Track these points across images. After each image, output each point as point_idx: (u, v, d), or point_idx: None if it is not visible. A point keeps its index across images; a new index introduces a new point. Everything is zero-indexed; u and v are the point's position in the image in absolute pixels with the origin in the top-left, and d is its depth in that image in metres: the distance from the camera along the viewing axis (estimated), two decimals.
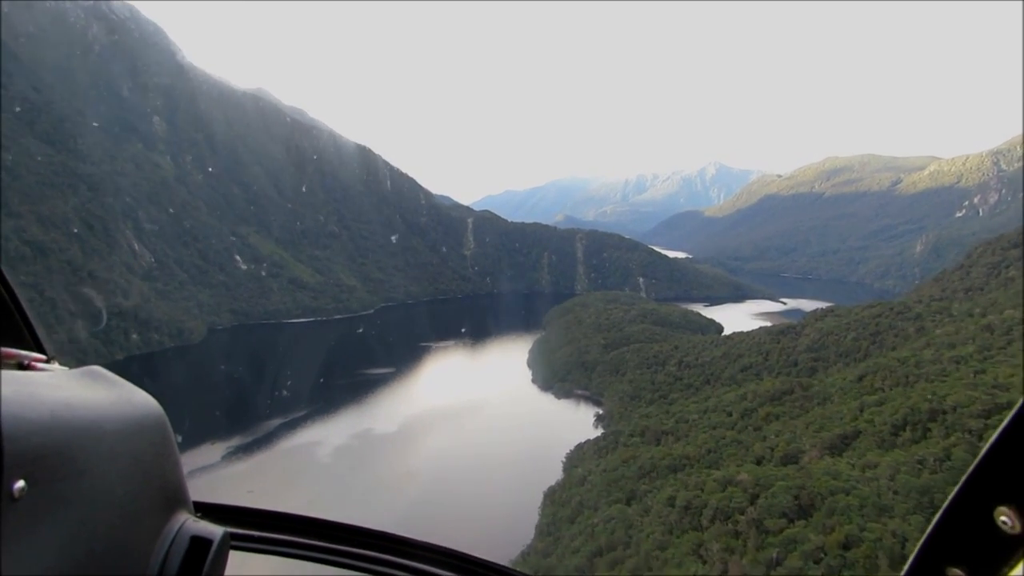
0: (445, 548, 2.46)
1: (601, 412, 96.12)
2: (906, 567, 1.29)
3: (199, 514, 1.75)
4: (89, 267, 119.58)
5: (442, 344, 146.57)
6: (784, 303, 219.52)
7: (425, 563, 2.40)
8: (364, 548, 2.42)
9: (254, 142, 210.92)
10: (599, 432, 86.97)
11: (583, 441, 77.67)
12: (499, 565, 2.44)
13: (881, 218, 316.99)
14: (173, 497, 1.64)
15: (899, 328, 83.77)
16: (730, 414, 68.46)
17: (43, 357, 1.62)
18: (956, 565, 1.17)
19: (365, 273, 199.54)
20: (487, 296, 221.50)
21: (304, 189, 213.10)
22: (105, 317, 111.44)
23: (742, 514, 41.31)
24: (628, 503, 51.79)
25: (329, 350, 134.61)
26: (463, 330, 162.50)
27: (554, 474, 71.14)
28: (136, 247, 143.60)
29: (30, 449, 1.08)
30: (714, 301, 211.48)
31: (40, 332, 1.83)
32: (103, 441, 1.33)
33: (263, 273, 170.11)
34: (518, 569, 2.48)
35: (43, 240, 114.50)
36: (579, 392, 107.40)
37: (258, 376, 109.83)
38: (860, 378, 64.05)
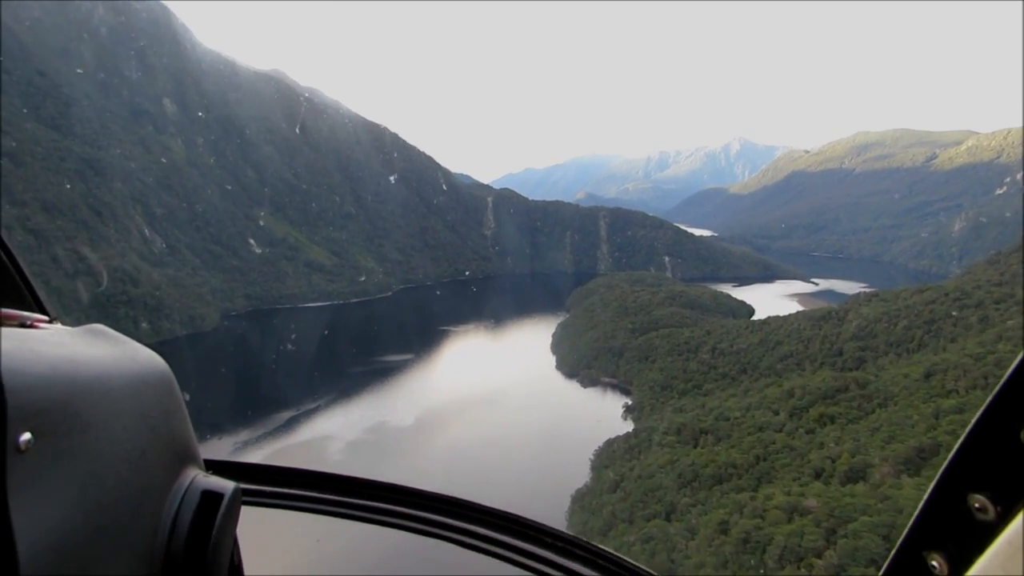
0: (455, 498, 2.47)
1: (630, 403, 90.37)
2: (890, 555, 1.34)
3: (210, 470, 1.78)
4: (96, 255, 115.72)
5: (462, 328, 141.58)
6: (816, 284, 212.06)
7: (436, 513, 2.41)
8: (375, 500, 2.45)
9: (267, 123, 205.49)
10: (629, 425, 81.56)
11: (612, 437, 72.03)
12: (515, 515, 2.39)
13: (915, 195, 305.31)
14: (183, 453, 1.65)
15: (958, 317, 76.69)
16: (776, 412, 61.97)
17: (45, 318, 1.60)
18: (934, 550, 1.22)
19: (383, 254, 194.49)
20: (508, 276, 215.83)
21: (319, 169, 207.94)
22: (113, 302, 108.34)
23: (819, 557, 35.14)
24: (668, 518, 46.22)
25: (345, 335, 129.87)
26: (484, 312, 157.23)
27: (582, 474, 65.90)
28: (147, 233, 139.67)
29: (33, 402, 1.10)
30: (743, 281, 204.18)
31: (42, 294, 1.83)
32: (108, 396, 1.34)
33: (278, 256, 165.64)
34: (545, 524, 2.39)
35: (48, 228, 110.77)
36: (606, 380, 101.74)
37: (270, 365, 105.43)
38: (927, 376, 57.27)
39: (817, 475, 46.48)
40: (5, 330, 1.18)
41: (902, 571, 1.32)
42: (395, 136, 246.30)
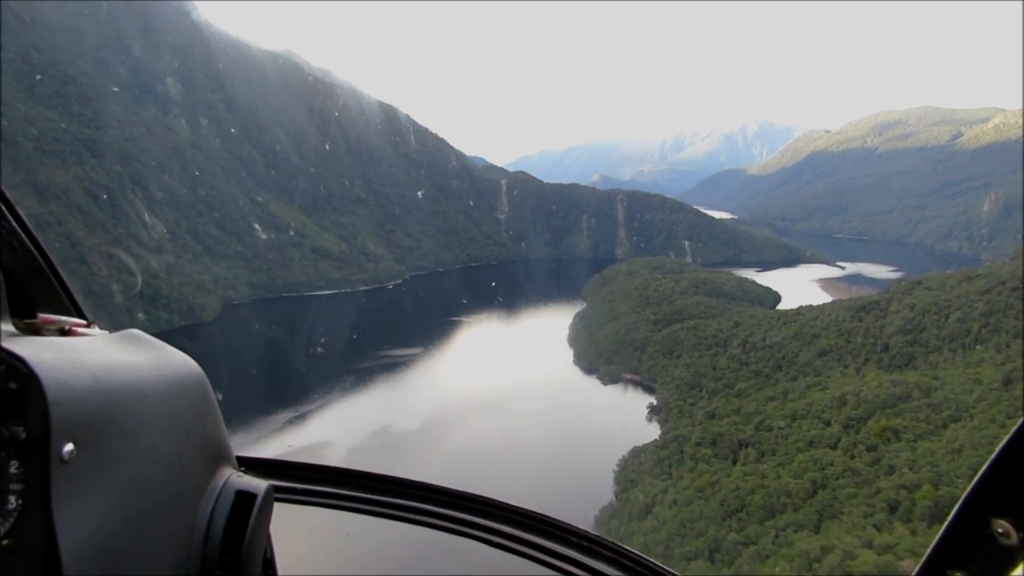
0: (482, 496, 2.49)
1: (655, 402, 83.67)
2: (949, 517, 1.32)
3: (243, 469, 1.84)
4: (90, 241, 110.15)
5: (474, 318, 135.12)
6: (842, 267, 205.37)
7: (463, 511, 2.43)
8: (405, 499, 2.48)
9: (275, 104, 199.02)
10: (655, 428, 75.18)
11: (639, 446, 65.28)
12: (541, 514, 2.41)
13: (940, 174, 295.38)
14: (217, 453, 1.70)
15: (1019, 308, 69.06)
16: (827, 423, 54.66)
17: (83, 322, 1.67)
18: (957, 570, 1.22)
19: (393, 240, 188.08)
20: (522, 262, 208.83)
21: (328, 152, 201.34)
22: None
23: None
24: (712, 558, 39.48)
25: (351, 326, 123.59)
26: (498, 300, 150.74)
27: (604, 487, 59.70)
28: (146, 218, 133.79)
29: (76, 413, 1.12)
30: (766, 266, 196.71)
31: (79, 298, 1.86)
32: (145, 402, 1.37)
33: (284, 242, 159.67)
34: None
35: (39, 213, 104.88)
36: (628, 376, 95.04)
37: (270, 360, 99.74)
38: (1005, 383, 49.91)
39: (892, 509, 39.29)
40: (47, 339, 1.23)
41: None
42: (407, 117, 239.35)
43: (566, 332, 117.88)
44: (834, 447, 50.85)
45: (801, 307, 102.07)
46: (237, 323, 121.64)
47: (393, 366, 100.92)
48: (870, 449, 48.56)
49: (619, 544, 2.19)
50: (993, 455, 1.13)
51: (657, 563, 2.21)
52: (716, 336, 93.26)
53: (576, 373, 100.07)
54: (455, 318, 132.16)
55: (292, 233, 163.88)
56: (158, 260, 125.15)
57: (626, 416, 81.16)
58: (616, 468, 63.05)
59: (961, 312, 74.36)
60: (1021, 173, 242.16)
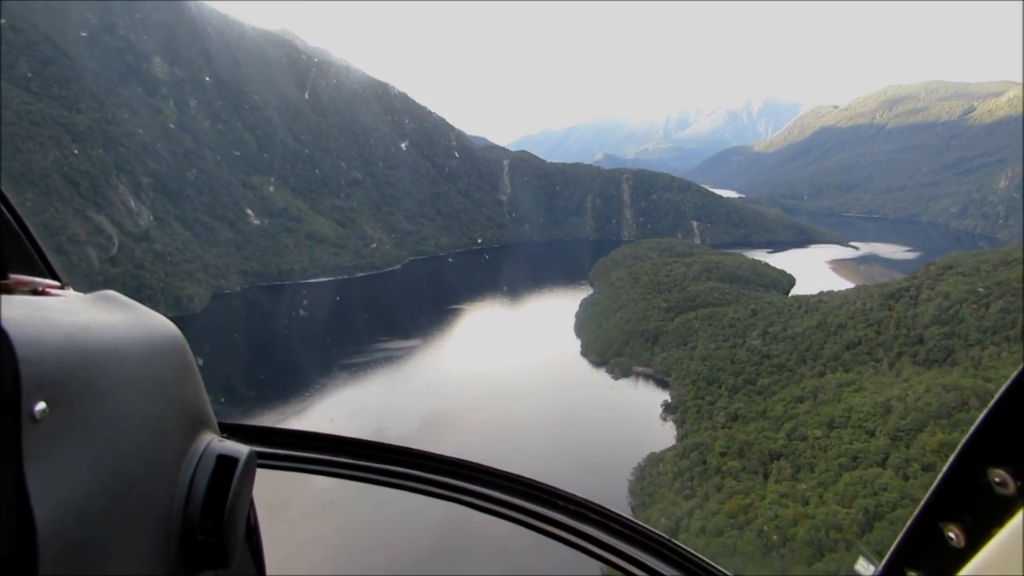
0: (468, 462, 2.52)
1: (669, 400, 77.85)
2: (906, 525, 1.35)
3: (226, 434, 1.80)
4: (70, 231, 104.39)
5: (475, 305, 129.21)
6: (856, 248, 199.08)
7: (454, 477, 2.47)
8: (391, 464, 2.50)
9: (268, 84, 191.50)
10: (670, 428, 69.63)
11: (655, 452, 59.44)
12: (528, 478, 2.46)
13: (953, 150, 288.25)
14: (197, 418, 1.67)
15: None
16: (872, 434, 48.33)
17: (57, 283, 1.63)
18: (951, 521, 1.22)
19: (392, 224, 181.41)
20: (526, 245, 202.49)
21: (323, 133, 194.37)
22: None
23: None
24: None
25: (346, 316, 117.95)
26: (499, 287, 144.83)
27: (620, 499, 53.79)
28: (132, 204, 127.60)
29: (48, 371, 1.10)
30: (777, 247, 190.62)
31: (53, 259, 1.83)
32: (122, 364, 1.34)
33: (278, 228, 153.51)
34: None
35: (15, 202, 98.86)
36: (639, 370, 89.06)
37: (257, 354, 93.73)
38: None
39: None
40: (17, 298, 1.18)
41: (918, 541, 1.33)
42: (405, 96, 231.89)
43: (572, 320, 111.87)
44: (883, 465, 44.65)
45: (822, 293, 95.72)
46: (225, 314, 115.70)
47: (388, 360, 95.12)
48: (926, 468, 42.19)
49: (607, 507, 2.22)
50: (991, 403, 1.14)
51: (645, 526, 2.23)
52: (733, 326, 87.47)
53: (584, 366, 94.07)
54: (455, 306, 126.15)
55: (286, 218, 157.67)
56: (143, 248, 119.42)
57: (639, 414, 75.43)
58: (631, 478, 57.44)
59: (1004, 302, 68.03)
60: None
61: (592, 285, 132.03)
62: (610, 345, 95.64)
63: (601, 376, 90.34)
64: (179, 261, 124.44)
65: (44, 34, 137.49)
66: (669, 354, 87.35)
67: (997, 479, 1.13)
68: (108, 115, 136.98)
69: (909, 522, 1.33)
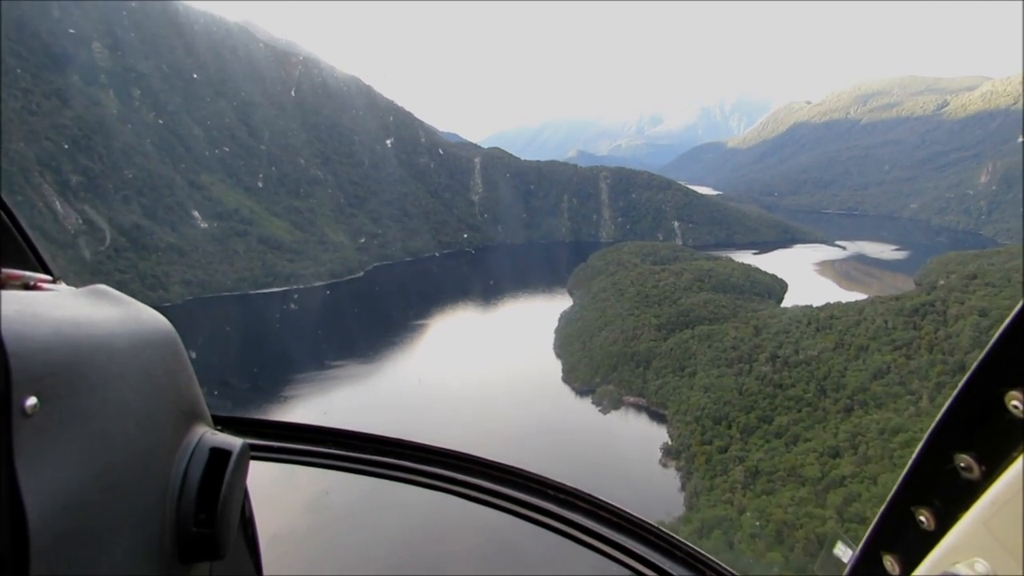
0: (459, 452, 2.55)
1: (669, 441, 66.52)
2: (881, 510, 1.39)
3: (219, 427, 1.80)
4: None
5: (443, 319, 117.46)
6: (843, 247, 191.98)
7: (444, 468, 2.50)
8: (382, 455, 2.54)
9: (221, 74, 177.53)
10: (672, 479, 58.56)
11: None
12: (517, 468, 2.50)
13: (928, 145, 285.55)
14: (190, 411, 1.68)
15: None
16: None
17: (48, 278, 1.61)
18: (965, 451, 1.21)
19: (355, 226, 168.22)
20: (499, 248, 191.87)
21: (281, 128, 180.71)
22: None
23: None
24: None
25: (295, 333, 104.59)
26: (470, 296, 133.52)
27: None
28: (57, 207, 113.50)
29: (38, 366, 1.10)
30: (761, 247, 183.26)
31: (44, 253, 1.83)
32: (113, 358, 1.35)
33: (227, 232, 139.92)
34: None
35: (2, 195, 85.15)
36: (631, 400, 77.67)
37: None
38: None
39: None
40: (8, 293, 1.18)
41: (891, 525, 1.37)
42: (371, 90, 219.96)
43: (551, 338, 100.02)
44: None
45: (830, 306, 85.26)
46: None
47: (336, 383, 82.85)
48: None
49: (596, 496, 2.25)
50: (955, 391, 1.18)
51: (634, 515, 2.27)
52: (736, 347, 76.79)
53: (567, 396, 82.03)
54: (420, 321, 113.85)
55: (236, 220, 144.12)
56: (69, 257, 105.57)
57: (636, 460, 63.89)
58: None
59: None
60: (1021, 140, 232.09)
61: (572, 295, 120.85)
62: (596, 369, 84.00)
63: (587, 408, 78.37)
64: (109, 271, 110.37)
65: None
66: (665, 381, 76.44)
67: (963, 464, 1.17)
68: (32, 105, 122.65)
69: (883, 507, 1.37)
